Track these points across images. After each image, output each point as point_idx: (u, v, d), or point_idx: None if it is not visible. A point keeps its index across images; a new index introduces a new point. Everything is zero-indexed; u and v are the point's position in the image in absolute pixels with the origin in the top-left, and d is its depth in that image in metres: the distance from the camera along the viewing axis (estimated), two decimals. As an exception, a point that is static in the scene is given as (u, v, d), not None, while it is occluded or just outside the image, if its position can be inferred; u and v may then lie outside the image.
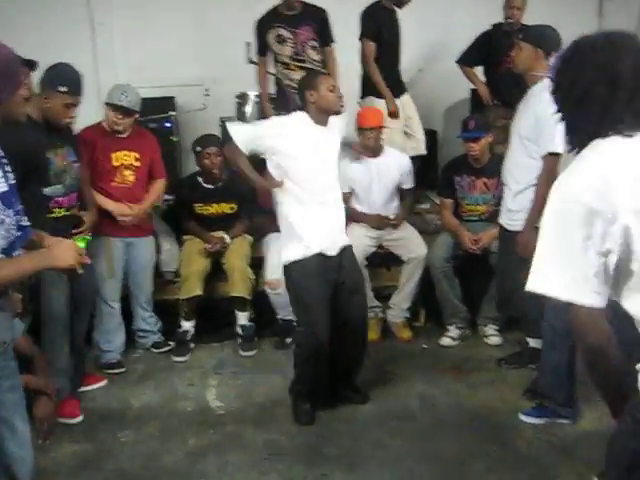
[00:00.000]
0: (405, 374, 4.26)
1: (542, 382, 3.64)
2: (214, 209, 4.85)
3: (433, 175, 5.79)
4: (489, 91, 5.66)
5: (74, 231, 3.67)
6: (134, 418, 3.88)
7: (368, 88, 5.40)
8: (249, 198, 4.84)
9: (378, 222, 4.78)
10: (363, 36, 5.27)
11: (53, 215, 3.70)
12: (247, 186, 4.83)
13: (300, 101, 3.76)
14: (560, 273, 1.54)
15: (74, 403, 3.85)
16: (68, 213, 3.78)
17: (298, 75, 4.98)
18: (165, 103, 5.86)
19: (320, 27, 5.05)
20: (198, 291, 4.60)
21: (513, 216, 3.80)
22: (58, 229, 3.36)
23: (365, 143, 4.63)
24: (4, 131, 2.17)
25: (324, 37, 5.09)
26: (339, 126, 3.79)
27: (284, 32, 4.99)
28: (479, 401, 3.91)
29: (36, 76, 3.69)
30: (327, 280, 3.65)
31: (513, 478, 3.19)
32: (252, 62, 5.25)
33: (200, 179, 4.86)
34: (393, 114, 5.34)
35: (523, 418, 3.65)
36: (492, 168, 4.48)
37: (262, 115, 5.51)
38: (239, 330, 4.72)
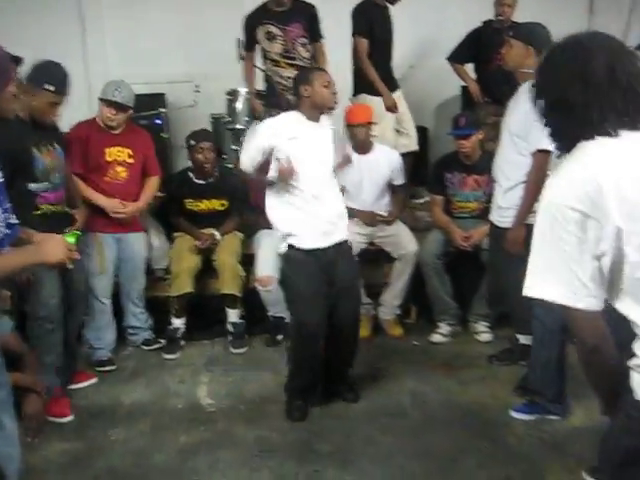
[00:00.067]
0: (396, 371, 4.27)
1: (532, 378, 3.65)
2: (205, 205, 4.84)
3: (423, 172, 5.80)
4: (480, 88, 5.67)
5: (67, 230, 3.66)
6: (125, 416, 3.87)
7: (360, 85, 5.40)
8: (240, 195, 4.84)
9: (371, 219, 4.78)
10: (355, 33, 5.27)
11: (41, 212, 3.69)
12: (238, 183, 4.86)
13: (294, 96, 3.76)
14: (556, 278, 1.55)
15: (64, 402, 3.84)
16: (56, 209, 3.77)
17: (288, 72, 4.99)
18: (155, 100, 5.86)
19: (310, 23, 5.04)
20: (189, 288, 4.59)
21: (503, 213, 3.81)
22: (48, 226, 3.36)
23: (354, 140, 4.63)
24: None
25: (314, 33, 5.09)
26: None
27: (274, 29, 4.98)
28: (470, 398, 3.92)
29: (21, 72, 3.71)
30: (320, 274, 3.65)
31: (504, 474, 3.19)
32: (243, 59, 5.23)
33: (191, 175, 4.85)
34: (391, 108, 5.36)
35: (513, 414, 3.66)
36: (483, 165, 4.49)
37: (252, 111, 5.51)
38: (230, 327, 4.71)
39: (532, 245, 1.62)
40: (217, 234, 4.74)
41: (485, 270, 4.48)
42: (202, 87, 5.92)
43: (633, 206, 1.49)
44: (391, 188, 4.89)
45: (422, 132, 6.05)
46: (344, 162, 3.94)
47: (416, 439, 3.51)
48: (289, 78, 4.97)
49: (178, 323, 4.70)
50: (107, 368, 4.39)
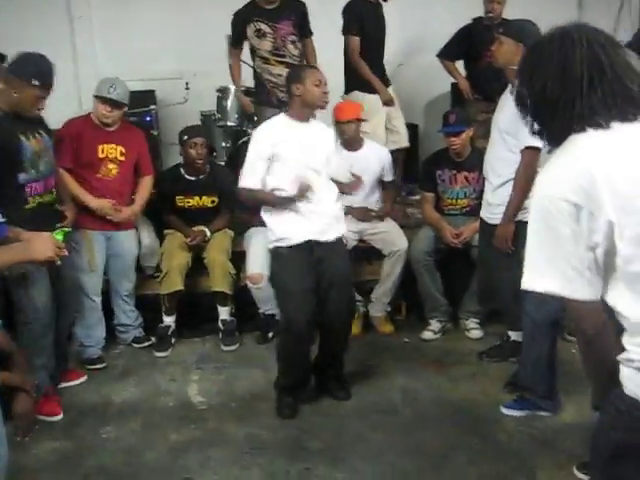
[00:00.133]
0: (387, 368, 4.27)
1: (523, 375, 3.66)
2: (195, 202, 4.82)
3: (414, 169, 5.82)
4: (470, 85, 5.68)
5: (58, 225, 3.65)
6: (115, 414, 3.86)
7: (352, 82, 5.41)
8: (230, 192, 4.82)
9: (364, 215, 4.78)
10: (346, 31, 5.27)
11: (30, 206, 3.66)
12: (229, 180, 4.85)
13: (287, 94, 3.76)
14: (552, 270, 1.55)
15: (55, 401, 3.82)
16: (44, 201, 3.74)
17: (278, 70, 4.98)
18: (145, 97, 5.84)
19: (299, 20, 5.03)
20: (179, 286, 4.57)
21: (494, 210, 3.82)
22: (37, 223, 3.34)
23: (343, 137, 4.63)
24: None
25: (303, 30, 5.08)
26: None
27: (264, 26, 4.96)
28: (460, 394, 3.93)
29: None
30: (309, 270, 3.64)
31: (494, 470, 3.20)
32: (242, 61, 5.21)
33: (182, 171, 4.84)
34: (388, 102, 5.38)
35: (504, 411, 3.67)
36: (473, 162, 4.50)
37: (241, 108, 5.50)
38: (220, 325, 4.70)
39: (527, 239, 1.60)
40: (207, 231, 4.73)
41: (475, 267, 4.49)
42: (192, 84, 5.90)
43: (625, 199, 1.48)
44: (381, 184, 4.89)
45: (412, 129, 6.05)
46: (348, 187, 3.89)
47: (407, 436, 3.51)
48: (279, 75, 4.98)
49: (169, 321, 4.69)
50: (97, 366, 4.38)
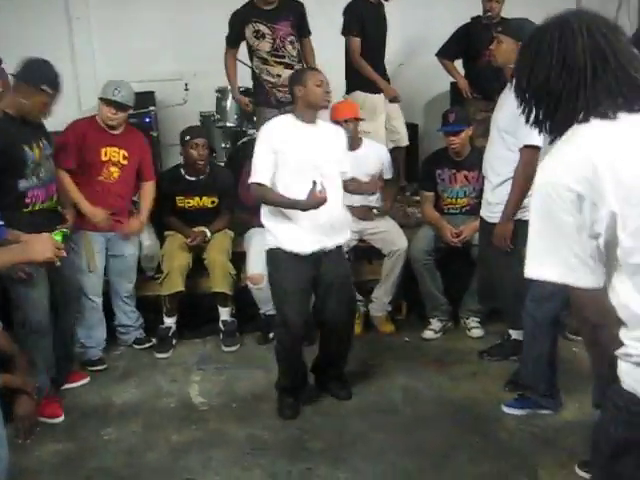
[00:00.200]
0: (387, 367, 4.27)
1: (524, 373, 3.66)
2: (195, 202, 4.82)
3: (414, 168, 5.83)
4: (469, 84, 5.68)
5: (58, 227, 3.66)
6: (117, 415, 3.86)
7: (353, 82, 5.43)
8: (230, 192, 4.83)
9: (365, 214, 4.77)
10: (347, 32, 5.29)
11: (29, 209, 3.67)
12: (229, 180, 4.86)
13: (290, 96, 3.76)
14: (555, 258, 1.53)
15: (56, 402, 3.82)
16: (45, 207, 3.76)
17: (277, 70, 4.98)
18: (145, 98, 5.84)
19: (298, 20, 5.03)
20: (180, 287, 4.57)
21: (493, 208, 3.82)
22: (36, 223, 3.35)
23: None
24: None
25: (302, 30, 5.08)
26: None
27: (262, 27, 4.95)
28: (461, 393, 3.93)
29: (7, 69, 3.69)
30: (306, 271, 3.63)
31: (495, 469, 3.20)
32: (239, 60, 5.21)
33: (182, 171, 4.84)
34: (395, 99, 5.43)
35: (505, 409, 3.67)
36: (472, 161, 4.50)
37: (241, 109, 5.51)
38: (221, 326, 4.70)
39: (529, 227, 1.58)
40: (207, 232, 4.73)
41: (476, 266, 4.49)
42: (191, 85, 5.91)
43: (629, 190, 1.46)
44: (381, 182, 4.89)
45: (412, 129, 6.07)
46: (368, 187, 3.84)
47: (408, 435, 3.51)
48: (278, 76, 4.98)
49: (169, 322, 4.69)
50: (98, 367, 4.39)
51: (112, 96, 4.31)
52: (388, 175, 4.89)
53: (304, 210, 3.47)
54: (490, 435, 3.48)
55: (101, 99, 4.37)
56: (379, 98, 5.52)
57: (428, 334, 4.69)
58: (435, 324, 4.72)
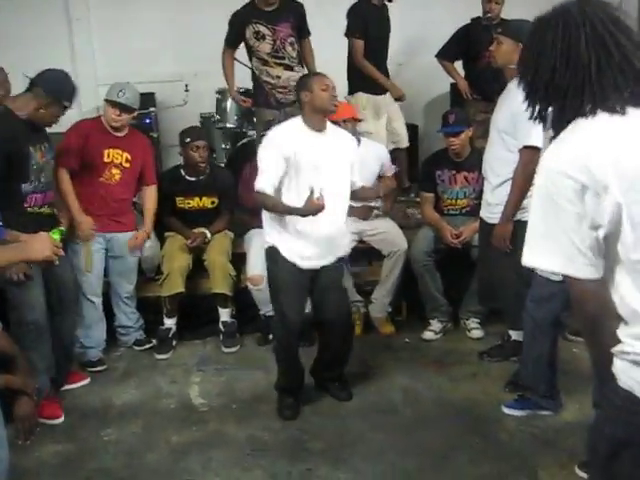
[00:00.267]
0: (388, 368, 4.27)
1: (524, 374, 3.66)
2: (195, 202, 4.83)
3: (413, 169, 5.83)
4: (468, 85, 5.68)
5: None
6: (116, 416, 3.86)
7: (356, 83, 5.45)
8: (230, 193, 4.84)
9: (365, 213, 4.77)
10: (350, 34, 5.30)
11: (28, 212, 3.69)
12: (228, 181, 4.86)
13: (290, 99, 3.74)
14: (554, 247, 1.52)
15: (56, 403, 3.83)
16: (42, 211, 3.77)
17: (277, 71, 4.98)
18: (145, 99, 5.81)
19: (298, 21, 5.03)
20: (180, 288, 4.58)
21: (493, 209, 3.82)
22: (33, 227, 3.36)
23: None
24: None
25: (302, 31, 5.08)
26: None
27: (262, 28, 4.95)
28: (461, 394, 3.93)
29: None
30: (301, 271, 3.64)
31: (495, 470, 3.20)
32: (236, 59, 5.20)
33: (182, 172, 4.84)
34: (401, 98, 5.48)
35: (505, 410, 3.67)
36: (472, 162, 4.50)
37: (241, 110, 5.51)
38: (221, 327, 4.71)
39: (530, 215, 1.57)
40: (207, 233, 4.73)
41: (476, 267, 4.49)
42: (191, 86, 5.91)
43: (633, 180, 1.46)
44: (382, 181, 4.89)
45: (412, 130, 6.07)
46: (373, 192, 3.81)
47: (408, 436, 3.51)
48: (277, 77, 4.98)
49: (169, 323, 4.69)
50: (98, 368, 4.39)
51: (117, 98, 4.32)
52: (389, 173, 4.89)
53: (303, 216, 3.45)
54: (490, 436, 3.48)
55: (106, 100, 4.39)
56: (381, 99, 5.54)
57: (428, 335, 4.69)
58: (435, 325, 4.72)
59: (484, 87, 5.36)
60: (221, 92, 5.74)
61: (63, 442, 3.58)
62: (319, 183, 3.40)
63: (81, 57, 6.34)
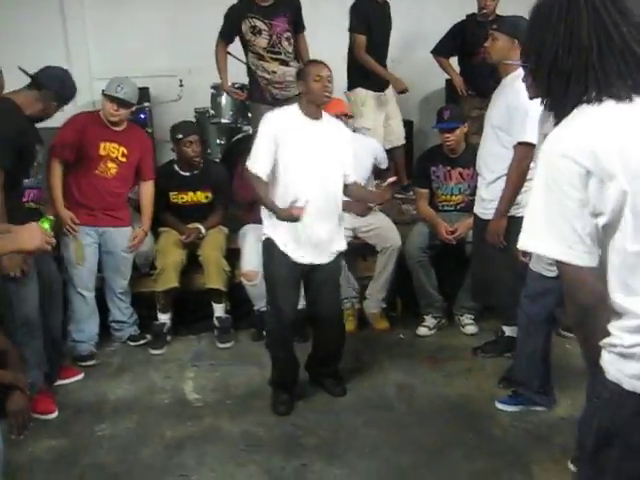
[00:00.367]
0: (382, 364, 4.28)
1: (517, 369, 3.67)
2: (189, 197, 4.81)
3: (408, 165, 5.83)
4: (464, 81, 5.68)
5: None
6: (111, 411, 3.85)
7: (355, 79, 5.45)
8: (224, 187, 4.83)
9: (363, 209, 4.75)
10: (353, 30, 5.31)
11: (24, 207, 3.71)
12: (223, 175, 4.85)
13: (286, 94, 3.75)
14: (553, 232, 1.50)
15: (49, 398, 3.82)
16: (37, 207, 3.81)
17: (272, 67, 4.98)
18: (139, 94, 5.82)
19: (294, 17, 5.02)
20: (174, 283, 4.57)
21: (487, 205, 3.82)
22: (29, 220, 3.36)
23: None
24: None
25: (297, 26, 5.08)
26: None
27: (259, 23, 4.94)
28: (455, 390, 3.94)
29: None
30: (296, 264, 3.64)
31: (489, 465, 3.21)
32: (229, 53, 5.19)
33: (176, 167, 4.83)
34: (403, 90, 5.50)
35: (499, 406, 3.68)
36: (467, 158, 4.50)
37: (236, 105, 5.50)
38: (216, 322, 4.70)
39: (530, 197, 1.56)
40: (202, 228, 4.73)
41: (470, 262, 4.49)
42: (186, 81, 5.90)
43: (638, 168, 1.45)
44: (377, 174, 4.89)
45: (407, 126, 6.07)
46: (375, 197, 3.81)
47: (402, 432, 3.52)
48: (273, 72, 4.98)
49: (164, 318, 4.69)
50: (88, 363, 4.37)
51: (115, 92, 4.32)
52: (384, 165, 4.89)
53: (278, 218, 3.48)
54: (484, 431, 3.49)
55: (104, 95, 4.38)
56: (381, 96, 5.54)
57: (422, 331, 4.70)
58: (429, 321, 4.73)
59: (479, 83, 5.36)
60: (216, 87, 5.72)
61: (57, 437, 3.57)
62: (312, 170, 3.45)
63: (75, 51, 6.31)
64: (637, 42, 1.53)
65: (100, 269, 4.54)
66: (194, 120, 5.72)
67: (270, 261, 3.66)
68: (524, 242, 1.56)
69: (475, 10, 5.58)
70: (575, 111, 1.55)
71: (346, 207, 4.65)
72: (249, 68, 5.09)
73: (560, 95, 1.58)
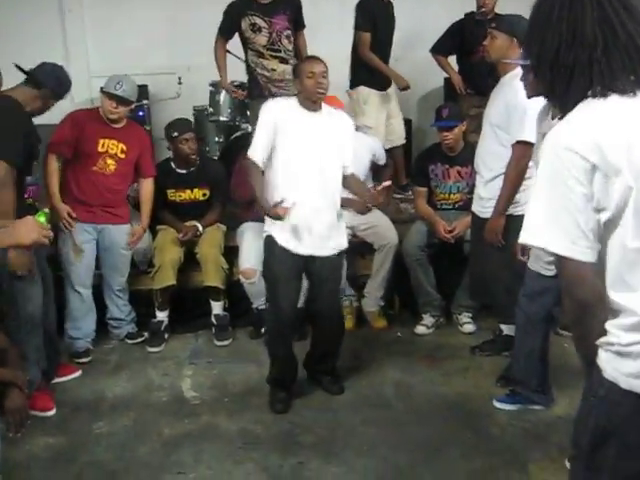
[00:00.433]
0: (380, 362, 4.28)
1: (515, 368, 3.67)
2: (187, 195, 4.81)
3: (407, 163, 5.83)
4: (462, 80, 5.68)
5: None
6: (108, 409, 3.85)
7: (358, 77, 5.45)
8: (222, 184, 4.82)
9: (363, 207, 4.74)
10: (358, 27, 5.31)
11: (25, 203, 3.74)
12: (220, 172, 4.84)
13: (285, 92, 3.75)
14: (556, 226, 1.48)
15: (47, 396, 3.81)
16: (30, 202, 3.86)
17: (272, 64, 4.97)
18: (138, 92, 5.82)
19: (294, 14, 5.02)
20: (172, 281, 4.57)
21: (485, 204, 3.83)
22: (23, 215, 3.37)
23: None
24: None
25: (297, 23, 5.07)
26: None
27: (259, 21, 4.93)
28: (453, 388, 3.94)
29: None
30: (298, 261, 3.64)
31: (487, 464, 3.21)
32: (228, 51, 5.19)
33: (173, 165, 4.82)
34: (406, 87, 5.49)
35: (497, 405, 3.68)
36: (466, 156, 4.50)
37: (234, 103, 5.49)
38: (213, 320, 4.70)
39: (533, 191, 1.54)
40: (199, 226, 4.72)
41: (468, 261, 4.49)
42: (185, 78, 5.89)
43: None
44: (376, 171, 4.87)
45: (406, 124, 6.06)
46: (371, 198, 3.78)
47: (400, 430, 3.52)
48: (273, 70, 4.97)
49: (162, 316, 4.68)
50: (83, 359, 4.37)
51: (114, 90, 4.32)
52: (382, 161, 4.89)
53: (264, 214, 3.51)
54: (482, 430, 3.49)
55: (103, 92, 4.38)
56: (383, 95, 5.54)
57: (420, 329, 4.70)
58: (427, 319, 4.72)
59: (478, 82, 5.36)
60: (215, 85, 5.71)
61: (54, 435, 3.58)
62: (310, 160, 3.48)
63: (74, 49, 6.31)
64: None
65: (98, 266, 4.54)
66: (192, 118, 5.71)
67: (271, 258, 3.66)
68: (526, 236, 1.55)
69: (474, 9, 5.58)
70: (580, 105, 1.53)
71: (345, 204, 4.66)
72: (248, 66, 5.08)
73: (563, 90, 1.56)
